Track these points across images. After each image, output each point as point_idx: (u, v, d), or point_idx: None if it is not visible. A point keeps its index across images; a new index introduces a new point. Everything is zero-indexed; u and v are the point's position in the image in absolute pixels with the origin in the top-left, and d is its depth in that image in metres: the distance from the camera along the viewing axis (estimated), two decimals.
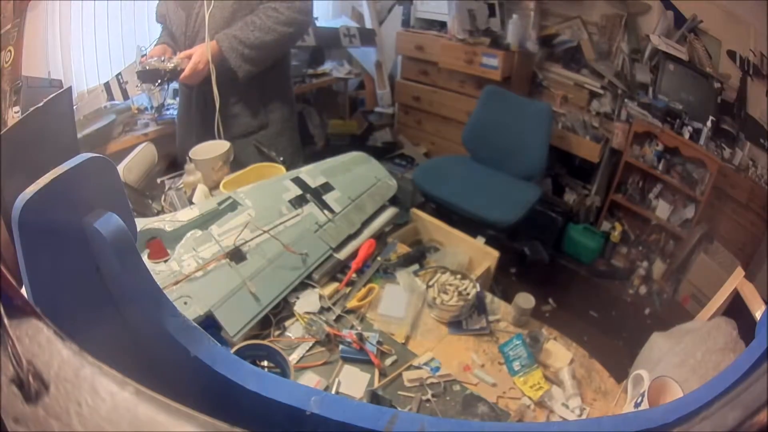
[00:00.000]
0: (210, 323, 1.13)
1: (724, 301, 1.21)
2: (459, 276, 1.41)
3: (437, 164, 2.81)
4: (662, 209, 2.55)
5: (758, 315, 1.09)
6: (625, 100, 2.58)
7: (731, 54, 2.15)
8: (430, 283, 1.39)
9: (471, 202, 2.32)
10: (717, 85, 2.22)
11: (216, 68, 1.69)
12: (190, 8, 1.72)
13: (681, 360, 1.07)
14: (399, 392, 1.13)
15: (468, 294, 1.35)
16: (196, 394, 0.64)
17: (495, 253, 1.58)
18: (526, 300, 1.32)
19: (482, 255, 1.59)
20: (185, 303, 1.11)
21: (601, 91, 2.66)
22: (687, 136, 2.34)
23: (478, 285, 1.38)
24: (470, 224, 1.94)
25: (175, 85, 2.08)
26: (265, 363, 1.08)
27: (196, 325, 0.71)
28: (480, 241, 1.65)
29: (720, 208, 2.30)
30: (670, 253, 2.53)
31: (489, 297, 1.40)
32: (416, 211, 1.75)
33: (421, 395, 1.12)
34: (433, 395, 1.13)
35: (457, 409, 1.10)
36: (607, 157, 2.73)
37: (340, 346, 1.20)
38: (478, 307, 1.34)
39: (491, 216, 2.25)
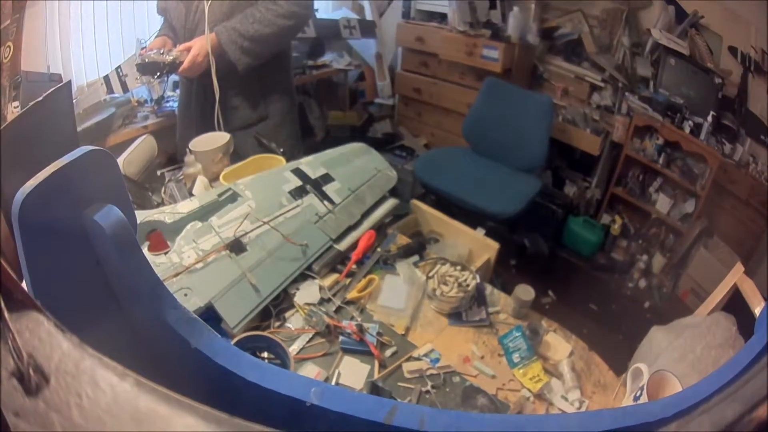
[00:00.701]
0: (210, 315, 1.13)
1: (723, 296, 1.22)
2: (459, 267, 1.41)
3: (437, 156, 2.80)
4: (662, 203, 2.55)
5: (757, 311, 1.09)
6: (626, 94, 2.56)
7: (732, 50, 2.13)
8: (430, 274, 1.39)
9: (471, 194, 2.32)
10: (718, 80, 2.21)
11: (216, 61, 1.68)
12: (190, 1, 1.71)
13: (680, 354, 1.08)
14: (399, 383, 1.13)
15: (468, 285, 1.35)
16: (197, 385, 0.64)
17: (495, 245, 1.58)
18: (525, 292, 1.32)
19: (482, 247, 1.59)
20: (185, 295, 1.11)
21: (601, 84, 2.65)
22: (687, 130, 2.33)
23: (477, 276, 1.38)
24: (470, 216, 1.94)
25: (175, 77, 2.07)
26: (266, 354, 1.08)
27: (196, 316, 0.71)
28: (480, 232, 1.65)
29: (720, 203, 2.29)
30: (670, 248, 2.53)
31: (489, 289, 1.41)
32: (416, 203, 1.74)
33: (420, 387, 1.13)
34: (432, 387, 1.13)
35: (457, 400, 1.11)
36: (608, 151, 2.73)
37: (340, 338, 1.21)
38: (478, 298, 1.34)
39: (491, 208, 2.25)
